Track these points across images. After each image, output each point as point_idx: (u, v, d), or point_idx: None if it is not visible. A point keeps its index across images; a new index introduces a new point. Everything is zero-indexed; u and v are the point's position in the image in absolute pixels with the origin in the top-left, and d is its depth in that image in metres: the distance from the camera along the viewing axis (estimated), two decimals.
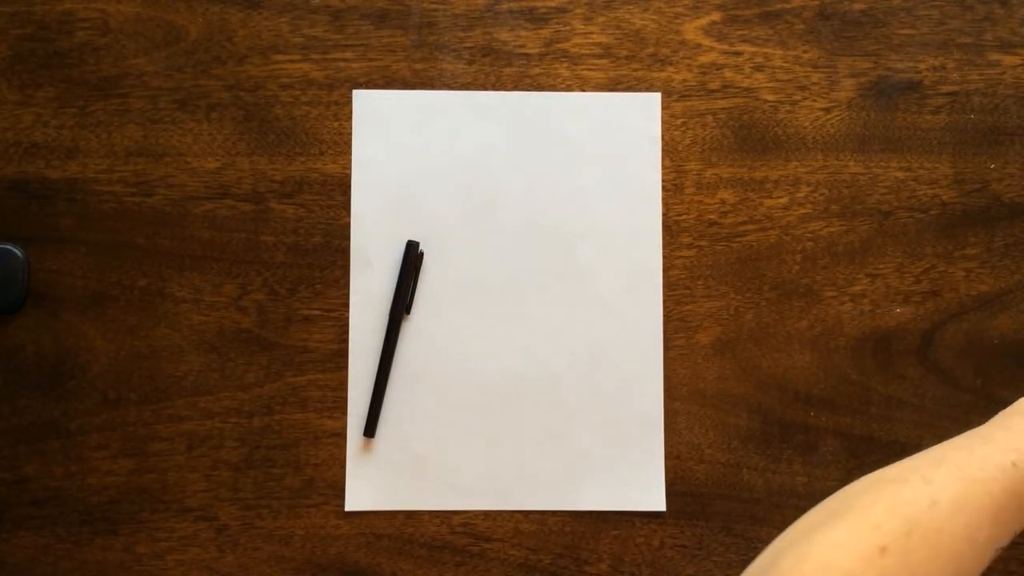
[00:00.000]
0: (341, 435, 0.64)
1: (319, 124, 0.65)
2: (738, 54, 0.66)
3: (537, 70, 0.66)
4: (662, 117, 0.66)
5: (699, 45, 0.66)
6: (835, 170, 0.66)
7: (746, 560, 0.64)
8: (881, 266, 0.65)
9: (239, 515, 0.63)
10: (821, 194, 0.66)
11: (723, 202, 0.65)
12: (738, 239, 0.65)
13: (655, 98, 0.66)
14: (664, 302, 0.65)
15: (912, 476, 0.41)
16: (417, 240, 0.65)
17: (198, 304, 0.64)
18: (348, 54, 0.65)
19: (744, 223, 0.65)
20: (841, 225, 0.65)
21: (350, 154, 0.65)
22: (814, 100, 0.66)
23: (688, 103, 0.66)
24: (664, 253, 0.65)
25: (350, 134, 0.65)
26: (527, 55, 0.66)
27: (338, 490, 0.64)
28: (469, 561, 0.63)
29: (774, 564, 0.38)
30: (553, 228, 0.65)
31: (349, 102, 0.65)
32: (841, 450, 0.64)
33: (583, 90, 0.66)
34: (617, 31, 0.66)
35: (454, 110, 0.65)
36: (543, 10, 0.66)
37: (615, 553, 0.64)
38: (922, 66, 0.66)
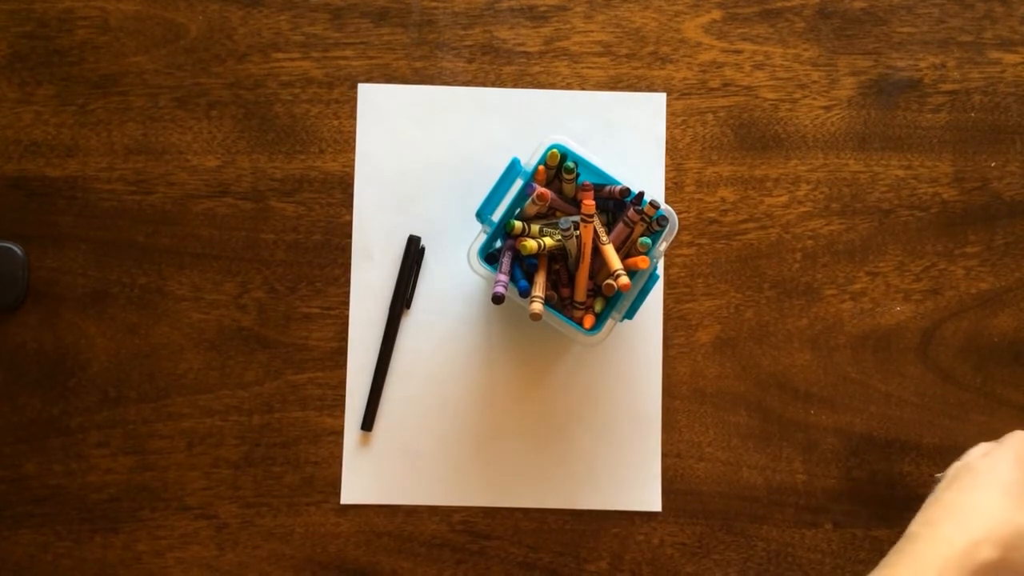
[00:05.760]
0: (341, 433, 0.64)
1: (319, 122, 0.65)
2: (738, 52, 0.66)
3: (537, 68, 0.66)
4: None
5: (699, 43, 0.66)
6: (835, 168, 0.66)
7: (746, 559, 0.64)
8: (881, 264, 0.65)
9: (239, 513, 0.63)
10: (821, 192, 0.65)
11: (723, 200, 0.65)
12: (738, 237, 0.65)
13: (660, 98, 0.65)
14: (664, 300, 0.65)
15: None
16: (419, 235, 0.65)
17: (198, 302, 0.64)
18: (348, 52, 0.65)
19: (744, 221, 0.65)
20: (841, 223, 0.65)
21: (350, 152, 0.65)
22: (814, 98, 0.66)
23: (688, 101, 0.66)
24: (664, 251, 0.65)
25: (350, 132, 0.65)
26: (527, 53, 0.66)
27: (338, 488, 0.64)
28: (469, 559, 0.63)
29: None
30: None
31: (349, 100, 0.65)
32: (841, 448, 0.64)
33: (583, 88, 0.66)
34: (617, 29, 0.66)
35: (459, 105, 0.65)
36: (543, 8, 0.66)
37: (615, 551, 0.64)
38: (922, 64, 0.66)
